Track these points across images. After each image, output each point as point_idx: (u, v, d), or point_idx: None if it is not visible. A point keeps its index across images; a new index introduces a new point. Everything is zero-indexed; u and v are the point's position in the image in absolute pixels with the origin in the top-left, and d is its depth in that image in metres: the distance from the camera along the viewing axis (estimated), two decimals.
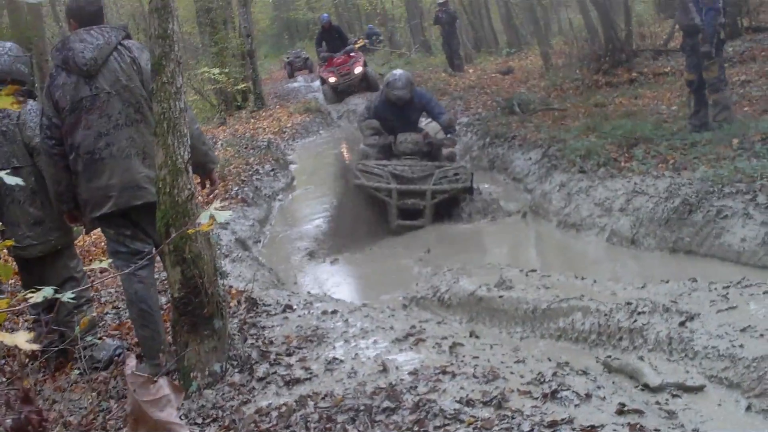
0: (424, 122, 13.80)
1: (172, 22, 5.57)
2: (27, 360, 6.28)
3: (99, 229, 6.35)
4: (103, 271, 9.21)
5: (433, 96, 14.69)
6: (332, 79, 28.62)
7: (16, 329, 7.70)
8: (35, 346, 2.46)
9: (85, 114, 5.91)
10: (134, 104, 5.96)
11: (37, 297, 2.91)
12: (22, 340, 2.45)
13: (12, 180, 2.80)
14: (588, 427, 4.41)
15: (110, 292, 8.97)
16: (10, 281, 8.84)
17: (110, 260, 4.73)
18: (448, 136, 13.08)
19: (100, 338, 6.88)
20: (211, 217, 3.06)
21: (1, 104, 2.43)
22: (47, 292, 2.94)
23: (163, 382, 2.50)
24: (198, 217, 3.26)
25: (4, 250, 7.09)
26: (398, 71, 13.84)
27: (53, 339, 6.48)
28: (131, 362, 2.56)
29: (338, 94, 28.76)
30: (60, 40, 6.29)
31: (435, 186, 11.96)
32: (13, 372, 6.13)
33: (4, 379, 5.46)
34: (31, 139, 6.42)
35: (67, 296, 3.01)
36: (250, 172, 16.41)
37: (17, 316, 8.08)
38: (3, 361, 6.40)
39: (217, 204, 3.11)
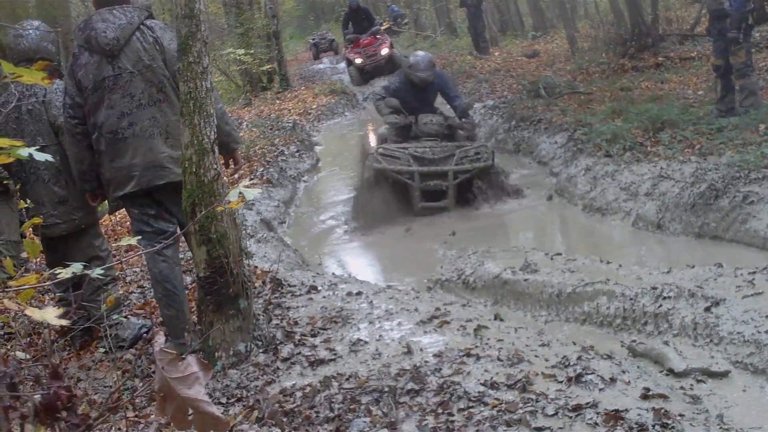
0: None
1: (199, 1, 5.57)
2: (54, 337, 6.33)
3: (123, 209, 6.37)
4: (129, 249, 9.25)
5: (450, 78, 14.64)
6: (359, 60, 28.56)
7: (41, 307, 7.72)
8: (64, 322, 2.47)
9: (108, 93, 5.91)
10: (157, 84, 5.96)
11: (65, 273, 2.91)
12: (52, 315, 2.46)
13: (41, 156, 2.80)
14: (612, 411, 4.40)
15: (135, 271, 9.01)
16: (36, 260, 8.89)
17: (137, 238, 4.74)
18: (465, 120, 13.06)
19: (125, 317, 6.90)
20: (240, 194, 3.06)
21: (32, 79, 2.43)
22: (76, 267, 2.93)
23: (191, 359, 2.51)
24: (226, 196, 3.26)
25: (30, 229, 7.13)
26: (420, 53, 13.82)
27: (79, 317, 6.52)
28: (160, 339, 2.56)
29: (364, 75, 28.72)
30: (83, 20, 6.29)
31: (456, 166, 11.93)
32: (40, 348, 6.18)
33: (30, 356, 5.50)
34: (57, 118, 6.43)
35: (96, 272, 3.02)
36: (275, 153, 16.43)
37: (42, 295, 8.12)
38: (29, 339, 6.46)
39: (245, 182, 3.11)
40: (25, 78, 2.45)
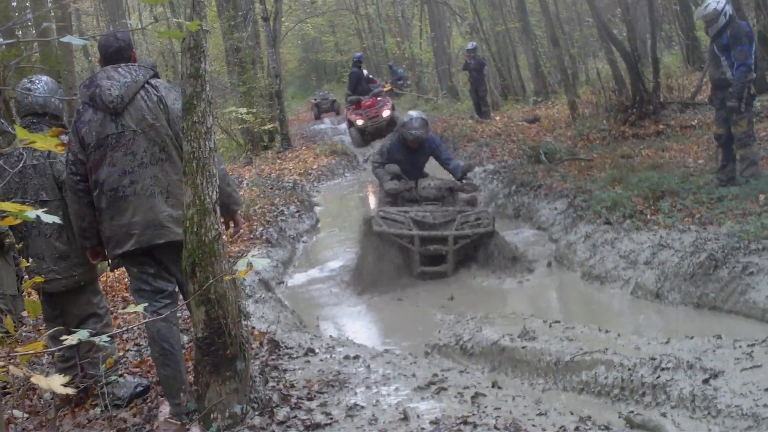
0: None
1: (204, 61, 5.61)
2: (60, 405, 6.31)
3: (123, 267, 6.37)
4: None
5: (442, 143, 14.69)
6: (360, 122, 28.74)
7: (36, 363, 7.71)
8: (71, 391, 2.47)
9: (110, 151, 5.94)
10: (159, 143, 5.98)
11: (72, 339, 2.91)
12: (57, 383, 2.46)
13: (49, 218, 2.81)
14: None
15: (132, 329, 8.98)
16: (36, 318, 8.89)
17: (141, 304, 4.72)
18: (465, 182, 13.10)
19: (120, 375, 6.88)
20: (249, 264, 3.07)
21: (45, 145, 2.45)
22: (83, 334, 2.94)
23: (194, 430, 2.50)
24: (228, 260, 3.26)
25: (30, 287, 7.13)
26: (414, 112, 13.86)
27: (74, 374, 6.50)
28: (165, 409, 2.56)
29: (365, 137, 28.90)
30: (88, 77, 6.33)
31: (457, 231, 11.93)
32: (34, 405, 6.14)
33: (25, 412, 5.46)
34: (61, 174, 6.46)
35: (103, 340, 3.02)
36: (275, 213, 16.47)
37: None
38: (26, 395, 6.43)
39: (254, 252, 3.12)
40: (38, 144, 2.47)
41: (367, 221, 12.62)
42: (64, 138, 6.56)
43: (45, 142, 2.43)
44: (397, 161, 13.13)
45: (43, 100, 6.60)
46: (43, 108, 6.57)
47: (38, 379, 2.47)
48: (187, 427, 2.45)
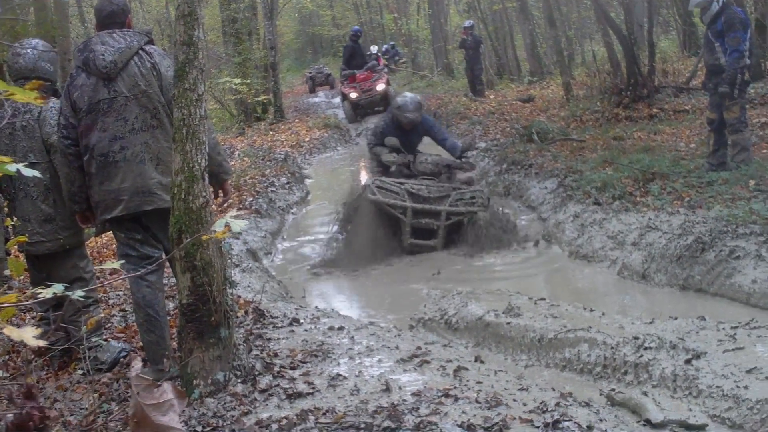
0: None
1: (198, 29, 5.58)
2: (32, 357, 6.30)
3: (110, 232, 6.36)
4: (113, 272, 9.23)
5: (435, 122, 14.67)
6: (354, 95, 28.68)
7: (22, 326, 7.70)
8: (42, 343, 2.46)
9: (102, 116, 5.92)
10: (151, 110, 5.97)
11: (46, 293, 2.90)
12: (29, 335, 2.45)
13: (29, 172, 2.80)
14: None
15: (118, 295, 8.99)
16: (20, 278, 8.87)
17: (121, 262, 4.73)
18: (464, 160, 13.09)
19: (105, 340, 6.88)
20: (226, 225, 3.06)
21: (24, 98, 2.44)
22: (57, 288, 2.92)
23: (166, 386, 2.50)
24: (213, 225, 3.25)
25: (15, 246, 7.11)
26: (409, 94, 13.86)
27: (59, 338, 6.50)
28: (136, 365, 2.55)
29: (358, 111, 28.84)
30: (83, 42, 6.31)
31: (450, 207, 11.94)
32: (17, 368, 6.14)
33: (7, 375, 5.46)
34: (50, 136, 6.45)
35: (77, 294, 3.00)
36: (266, 184, 16.47)
37: (24, 313, 8.09)
38: (7, 357, 6.42)
39: (233, 213, 3.11)
40: (18, 96, 2.46)
41: (360, 191, 12.64)
42: (56, 101, 6.56)
43: (24, 94, 2.42)
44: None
45: (32, 64, 6.59)
46: (33, 72, 6.54)
47: (10, 330, 2.46)
48: (159, 383, 2.44)
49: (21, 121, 6.49)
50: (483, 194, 12.44)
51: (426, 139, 13.63)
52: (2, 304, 2.76)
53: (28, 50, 6.65)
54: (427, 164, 12.87)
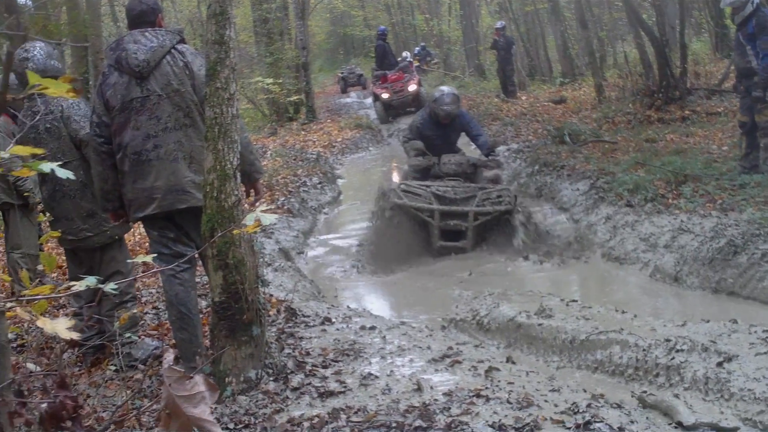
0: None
1: (229, 28, 5.61)
2: (66, 348, 6.35)
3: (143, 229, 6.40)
4: (145, 266, 9.26)
5: (473, 117, 14.66)
6: (385, 95, 28.66)
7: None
8: (75, 335, 2.48)
9: (135, 115, 5.95)
10: (184, 108, 5.99)
11: (80, 285, 2.92)
12: (62, 327, 2.48)
13: (63, 173, 2.82)
14: None
15: (151, 293, 9.03)
16: (53, 275, 8.94)
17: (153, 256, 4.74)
18: (490, 158, 13.08)
19: (139, 337, 6.92)
20: (257, 219, 3.07)
21: (58, 91, 2.46)
22: (90, 281, 2.94)
23: (198, 379, 2.52)
24: (243, 220, 3.26)
25: (48, 242, 7.15)
26: (445, 87, 13.83)
27: (92, 333, 6.55)
28: (169, 357, 2.57)
29: (389, 111, 28.79)
30: (115, 40, 6.34)
31: (477, 207, 11.93)
32: (51, 362, 6.20)
33: (41, 368, 5.51)
34: (77, 132, 6.50)
35: (110, 287, 3.02)
36: (298, 184, 16.51)
37: (57, 310, 8.15)
38: (41, 351, 6.47)
39: (262, 207, 3.12)
40: (51, 90, 2.47)
41: (384, 194, 12.64)
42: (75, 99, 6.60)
43: (57, 88, 2.44)
44: (428, 137, 13.12)
45: (42, 65, 6.63)
46: (45, 73, 6.55)
47: (43, 322, 2.48)
48: (191, 375, 2.46)
49: (45, 124, 6.54)
50: (510, 192, 12.42)
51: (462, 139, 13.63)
52: (36, 295, 2.78)
53: (35, 52, 6.70)
54: (452, 165, 12.86)
